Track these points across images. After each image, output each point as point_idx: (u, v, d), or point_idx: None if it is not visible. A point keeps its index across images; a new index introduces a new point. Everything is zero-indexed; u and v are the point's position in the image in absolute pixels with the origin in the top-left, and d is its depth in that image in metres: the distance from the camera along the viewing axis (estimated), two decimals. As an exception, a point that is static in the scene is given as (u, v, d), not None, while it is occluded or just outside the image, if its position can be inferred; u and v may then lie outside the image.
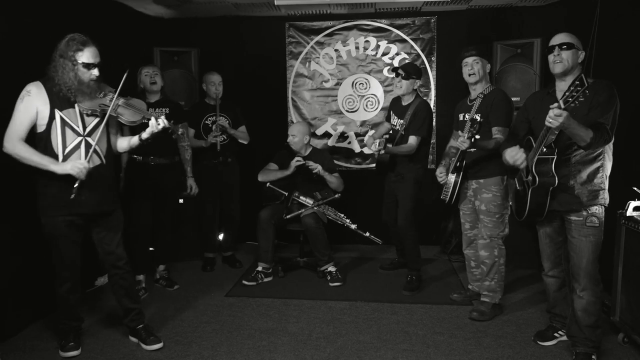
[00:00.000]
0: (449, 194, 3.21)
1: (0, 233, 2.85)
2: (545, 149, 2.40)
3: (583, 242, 2.48)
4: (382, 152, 3.56)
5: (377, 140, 3.64)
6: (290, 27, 4.84)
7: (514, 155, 2.52)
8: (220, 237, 4.40)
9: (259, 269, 3.88)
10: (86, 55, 2.48)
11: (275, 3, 4.03)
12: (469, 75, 3.13)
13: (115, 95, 2.60)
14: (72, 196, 2.46)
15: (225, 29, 4.81)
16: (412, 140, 3.58)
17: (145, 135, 2.68)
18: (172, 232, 3.87)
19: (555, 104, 2.20)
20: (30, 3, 3.08)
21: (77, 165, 2.47)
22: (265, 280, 3.87)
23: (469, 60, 3.12)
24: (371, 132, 3.87)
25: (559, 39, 2.47)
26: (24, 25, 3.04)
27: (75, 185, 2.47)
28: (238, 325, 3.09)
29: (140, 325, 2.85)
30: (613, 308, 2.83)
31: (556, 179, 2.41)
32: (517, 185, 2.64)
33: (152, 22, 4.69)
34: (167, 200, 3.67)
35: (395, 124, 3.78)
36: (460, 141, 2.93)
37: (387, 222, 3.99)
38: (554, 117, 2.19)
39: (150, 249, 3.74)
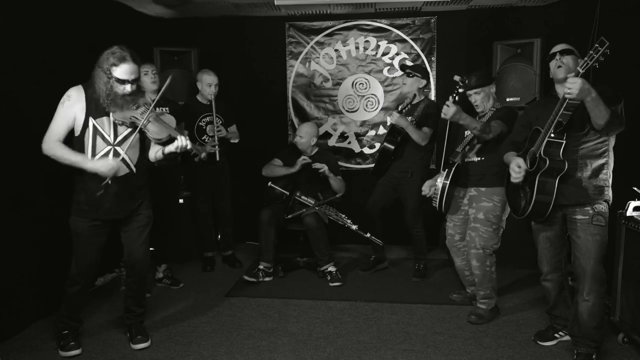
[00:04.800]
0: (437, 199, 3.13)
1: (0, 234, 2.85)
2: (554, 135, 2.40)
3: (589, 241, 2.46)
4: (402, 113, 3.71)
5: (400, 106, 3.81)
6: (290, 27, 4.84)
7: (517, 172, 2.51)
8: (218, 236, 4.40)
9: (261, 267, 3.88)
10: (120, 72, 2.49)
11: (275, 3, 4.03)
12: (475, 106, 3.17)
13: (149, 111, 2.60)
14: (99, 193, 2.52)
15: (225, 29, 4.81)
16: (426, 129, 3.68)
17: (167, 150, 2.70)
18: (173, 231, 3.87)
19: (572, 74, 2.22)
20: (30, 3, 3.08)
21: (106, 165, 2.52)
22: (266, 279, 3.87)
23: (471, 92, 3.12)
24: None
25: (559, 47, 2.55)
26: (24, 26, 3.04)
27: (104, 183, 2.52)
28: (238, 325, 3.09)
29: (133, 324, 2.87)
30: (613, 308, 2.83)
31: (566, 164, 2.40)
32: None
33: (152, 22, 4.68)
34: (168, 201, 3.67)
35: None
36: (445, 110, 2.88)
37: (370, 212, 3.98)
38: (571, 83, 2.19)
39: (151, 248, 3.74)
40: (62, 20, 3.33)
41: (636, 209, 2.72)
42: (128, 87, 2.54)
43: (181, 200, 3.99)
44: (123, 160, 2.61)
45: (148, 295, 3.54)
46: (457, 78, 3.02)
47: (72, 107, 2.52)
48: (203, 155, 2.90)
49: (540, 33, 4.00)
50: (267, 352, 2.75)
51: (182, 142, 2.65)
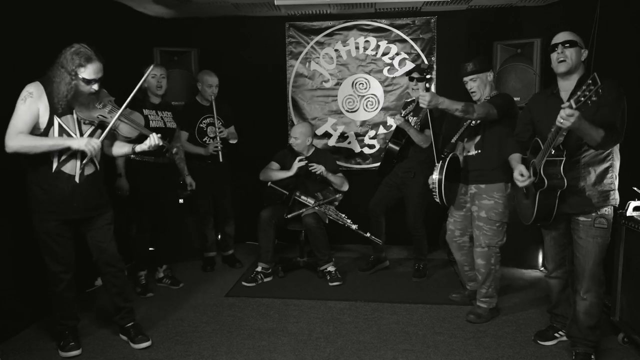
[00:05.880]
0: (437, 194, 3.11)
1: (0, 234, 2.84)
2: (553, 151, 2.36)
3: (590, 243, 2.46)
4: (408, 118, 3.72)
5: (404, 111, 3.82)
6: (290, 27, 4.84)
7: (522, 180, 2.47)
8: (219, 236, 4.41)
9: (259, 269, 3.88)
10: (88, 72, 2.44)
11: (275, 3, 4.04)
12: (471, 93, 3.10)
13: (119, 112, 2.57)
14: (81, 166, 2.55)
15: (225, 29, 4.81)
16: (428, 132, 3.64)
17: (138, 148, 2.69)
18: (173, 231, 3.88)
19: (567, 104, 2.14)
20: (30, 3, 3.08)
21: (90, 143, 2.48)
22: (265, 280, 3.87)
23: (467, 79, 3.07)
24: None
25: (561, 37, 2.44)
26: (24, 25, 3.04)
27: (84, 161, 2.53)
28: (238, 325, 3.09)
29: (130, 324, 2.85)
30: (613, 308, 2.83)
31: (565, 181, 2.37)
32: (524, 189, 2.60)
33: (152, 22, 4.68)
34: (169, 199, 3.68)
35: (412, 123, 3.81)
36: (421, 99, 2.81)
37: (374, 211, 3.97)
38: (566, 117, 2.13)
39: (151, 249, 3.74)
40: (62, 20, 3.33)
41: (636, 209, 2.72)
42: (95, 86, 2.49)
43: (181, 200, 3.99)
44: (90, 158, 2.57)
45: (151, 294, 3.56)
46: (424, 66, 3.05)
47: (35, 103, 2.42)
48: (174, 150, 3.00)
49: (540, 33, 4.00)
50: (267, 352, 2.75)
51: (153, 140, 2.64)
